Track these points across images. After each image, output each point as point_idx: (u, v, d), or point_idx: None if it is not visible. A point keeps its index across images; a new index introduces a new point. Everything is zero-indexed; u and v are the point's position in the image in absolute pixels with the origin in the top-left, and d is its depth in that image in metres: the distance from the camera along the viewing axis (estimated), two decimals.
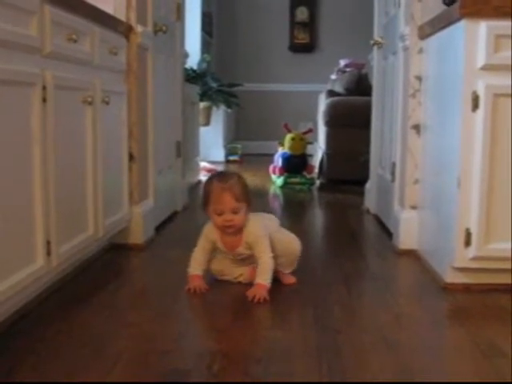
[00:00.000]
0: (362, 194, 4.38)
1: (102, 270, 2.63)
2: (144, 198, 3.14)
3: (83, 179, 2.41)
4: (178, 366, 1.68)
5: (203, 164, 5.86)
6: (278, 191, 5.17)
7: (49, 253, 2.05)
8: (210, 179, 2.38)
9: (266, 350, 1.81)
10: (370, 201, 4.12)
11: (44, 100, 2.00)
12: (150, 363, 1.71)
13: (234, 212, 2.27)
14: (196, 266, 2.38)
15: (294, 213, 4.48)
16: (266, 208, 4.43)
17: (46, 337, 1.87)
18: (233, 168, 6.81)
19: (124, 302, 2.25)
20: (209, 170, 5.89)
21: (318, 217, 4.48)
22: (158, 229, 3.36)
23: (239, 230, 2.33)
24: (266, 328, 1.97)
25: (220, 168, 6.43)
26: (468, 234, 2.31)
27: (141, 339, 1.90)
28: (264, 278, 2.27)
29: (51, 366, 1.67)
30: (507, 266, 2.34)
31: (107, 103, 2.58)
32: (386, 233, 3.40)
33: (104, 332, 1.93)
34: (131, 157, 2.97)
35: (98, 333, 1.93)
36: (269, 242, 2.34)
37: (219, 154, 7.36)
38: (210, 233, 2.38)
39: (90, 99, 2.37)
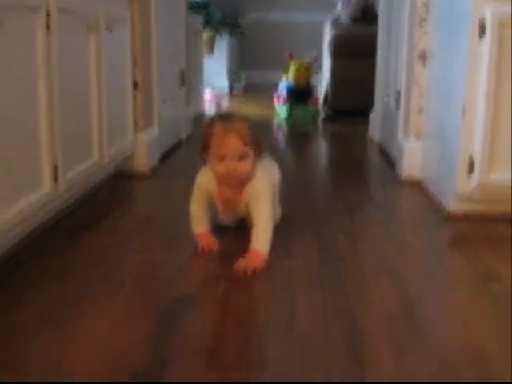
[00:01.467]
0: (366, 124, 4.37)
1: (107, 198, 2.66)
2: (148, 126, 3.14)
3: (88, 107, 2.41)
4: (182, 291, 1.72)
5: (207, 93, 5.82)
6: (282, 122, 5.15)
7: (55, 178, 2.06)
8: (211, 120, 2.02)
9: (270, 276, 1.85)
10: (375, 130, 4.12)
11: (48, 27, 1.99)
12: (155, 288, 1.75)
13: (240, 158, 1.91)
14: (197, 223, 2.07)
15: (297, 143, 4.48)
16: (269, 138, 4.44)
17: (52, 263, 1.90)
18: (237, 99, 6.78)
19: (130, 228, 2.28)
20: (213, 100, 5.87)
21: (321, 147, 4.48)
22: (163, 158, 3.37)
23: (242, 183, 1.99)
24: (269, 256, 2.00)
25: (224, 98, 6.40)
26: (471, 162, 2.32)
27: (146, 265, 1.93)
28: (260, 242, 1.90)
29: (59, 291, 1.70)
30: (508, 194, 2.36)
31: (111, 30, 2.56)
32: (390, 162, 3.41)
33: (109, 258, 1.97)
34: (135, 84, 2.96)
35: (104, 259, 1.96)
36: (271, 204, 1.99)
37: (223, 84, 7.30)
38: (205, 182, 2.03)
39: (93, 26, 2.35)
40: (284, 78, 5.57)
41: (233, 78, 7.55)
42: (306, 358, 1.38)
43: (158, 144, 3.25)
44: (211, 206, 2.09)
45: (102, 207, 2.51)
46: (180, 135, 3.94)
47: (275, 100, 5.61)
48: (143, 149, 3.00)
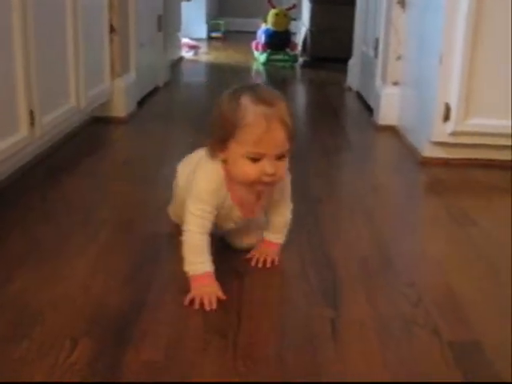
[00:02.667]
0: (345, 71, 4.35)
1: (85, 142, 2.65)
2: (126, 71, 3.11)
3: (64, 50, 2.38)
4: (161, 230, 1.74)
5: (185, 40, 5.76)
6: (261, 68, 5.13)
7: (32, 123, 2.05)
8: (234, 96, 1.35)
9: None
10: (353, 78, 4.12)
11: None
12: (135, 227, 1.77)
13: (279, 157, 1.34)
14: (198, 255, 1.39)
15: (275, 89, 4.46)
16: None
17: (32, 205, 1.90)
18: (216, 45, 6.71)
19: (108, 171, 2.29)
20: (191, 47, 5.80)
21: (300, 94, 4.48)
22: (140, 103, 3.35)
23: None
24: None
25: (202, 45, 6.33)
26: (447, 109, 2.34)
27: (125, 206, 1.95)
28: (280, 237, 1.59)
29: (39, 234, 1.71)
30: (484, 141, 2.39)
31: None
32: (368, 109, 3.43)
33: (89, 200, 1.98)
34: (112, 29, 2.92)
35: (83, 201, 1.97)
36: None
37: (201, 31, 7.21)
38: (215, 188, 1.40)
39: None
40: (263, 26, 5.53)
41: (211, 24, 7.46)
42: (284, 299, 1.42)
43: (135, 89, 3.23)
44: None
45: (80, 151, 2.50)
46: (157, 81, 3.91)
47: (253, 47, 5.57)
48: (120, 94, 2.99)
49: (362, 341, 1.23)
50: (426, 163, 2.46)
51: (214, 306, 1.33)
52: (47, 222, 1.79)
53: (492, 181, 2.30)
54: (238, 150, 1.32)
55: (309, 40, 5.40)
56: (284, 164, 1.36)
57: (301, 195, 2.06)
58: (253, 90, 1.36)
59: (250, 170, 1.33)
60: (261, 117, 1.28)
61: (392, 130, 2.97)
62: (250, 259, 1.56)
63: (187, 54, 5.65)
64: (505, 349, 1.22)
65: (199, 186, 1.41)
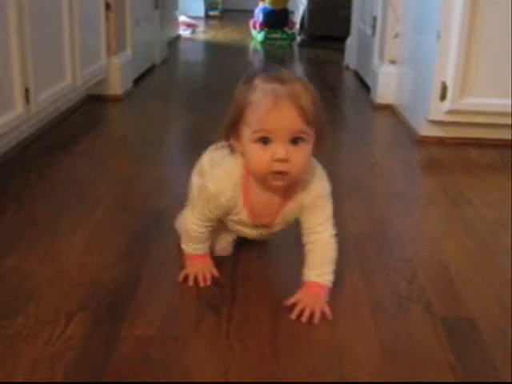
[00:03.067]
0: (342, 50, 4.34)
1: (81, 120, 2.64)
2: (122, 49, 3.10)
3: (59, 28, 2.36)
4: (157, 207, 1.74)
5: (182, 18, 5.73)
6: (259, 46, 5.11)
7: (27, 100, 2.05)
8: (250, 77, 1.20)
9: None
10: (351, 57, 4.10)
11: None
12: (131, 204, 1.77)
13: (295, 141, 1.15)
14: (196, 242, 1.35)
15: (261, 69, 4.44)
16: (246, 63, 4.41)
17: (29, 183, 1.90)
18: (213, 24, 6.68)
19: (104, 149, 2.29)
20: (188, 25, 5.78)
21: (297, 72, 4.45)
22: (137, 81, 3.34)
23: (290, 186, 1.24)
24: None
25: (200, 23, 6.29)
26: (444, 88, 2.33)
27: (121, 183, 1.94)
28: (325, 273, 1.28)
29: (35, 210, 1.71)
30: (480, 120, 2.39)
31: None
32: (365, 88, 3.42)
33: (85, 177, 1.98)
34: (108, 6, 2.91)
35: (80, 178, 1.97)
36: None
37: (199, 9, 7.18)
38: (229, 188, 1.25)
39: None
40: (260, 4, 5.51)
41: (209, 3, 7.41)
42: (278, 276, 1.42)
43: (131, 67, 3.22)
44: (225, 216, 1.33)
45: (76, 129, 2.50)
46: (154, 59, 3.90)
47: (251, 25, 5.55)
48: (116, 72, 2.98)
49: (357, 317, 1.24)
50: (423, 142, 2.46)
51: (209, 282, 1.32)
52: (44, 198, 1.79)
53: (487, 160, 2.30)
54: (247, 133, 1.17)
55: (307, 18, 5.38)
56: (302, 151, 1.16)
57: None
58: (269, 71, 1.21)
59: (260, 156, 1.15)
60: (268, 93, 1.14)
61: (389, 109, 2.96)
62: (290, 310, 1.23)
63: (184, 32, 5.63)
64: (497, 325, 1.23)
65: (209, 186, 1.26)
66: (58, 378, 1.02)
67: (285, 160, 1.14)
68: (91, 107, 2.84)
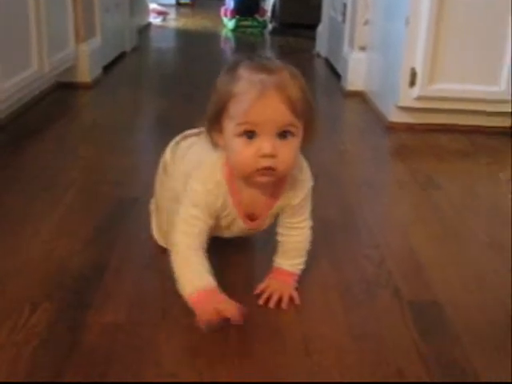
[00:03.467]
0: (313, 38, 4.34)
1: (50, 107, 2.61)
2: (91, 36, 3.07)
3: (25, 14, 2.32)
4: (126, 195, 1.72)
5: (153, 6, 5.68)
6: (230, 34, 5.09)
7: None
8: (233, 66, 1.10)
9: None
10: (322, 44, 4.10)
11: None
12: (99, 191, 1.76)
13: (282, 135, 1.06)
14: (195, 271, 1.13)
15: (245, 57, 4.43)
16: (216, 51, 4.39)
17: None
18: (185, 12, 6.63)
19: (74, 136, 2.27)
20: (159, 13, 5.73)
21: None
22: (106, 69, 3.31)
23: (280, 182, 1.18)
24: None
25: (171, 11, 6.25)
26: (413, 74, 2.34)
27: (91, 171, 1.93)
28: (298, 263, 1.28)
29: (4, 199, 1.69)
30: (448, 106, 2.41)
31: None
32: (336, 75, 3.42)
33: (55, 165, 1.95)
34: None
35: (49, 165, 1.95)
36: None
37: None
38: (214, 186, 1.16)
39: None
40: None
41: None
42: (247, 263, 1.42)
43: (100, 54, 3.19)
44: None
45: (45, 117, 2.47)
46: (124, 46, 3.86)
47: (222, 13, 5.52)
48: (85, 59, 2.94)
49: (325, 302, 1.24)
50: (393, 128, 2.47)
51: (241, 319, 1.09)
52: (12, 187, 1.77)
53: (456, 145, 2.32)
54: (230, 127, 1.07)
55: (278, 6, 5.37)
56: (290, 146, 1.07)
57: None
58: (254, 59, 1.10)
59: (244, 151, 1.06)
60: (254, 83, 1.04)
61: (360, 96, 2.97)
62: (258, 296, 1.24)
63: (155, 20, 5.59)
64: (463, 309, 1.24)
65: (193, 185, 1.16)
66: (22, 365, 1.01)
67: (272, 155, 1.05)
68: (60, 95, 2.81)
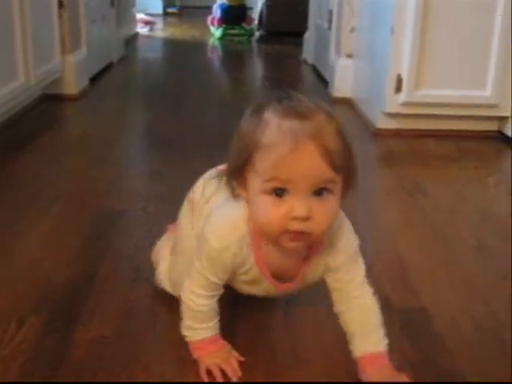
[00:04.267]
0: (300, 45, 4.36)
1: (36, 120, 2.60)
2: (77, 47, 3.06)
3: (10, 27, 2.32)
4: (114, 206, 1.72)
5: (140, 16, 5.69)
6: (217, 43, 5.10)
7: None
8: (259, 108, 0.93)
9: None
10: (308, 51, 4.11)
11: None
12: (87, 203, 1.75)
13: (318, 193, 0.89)
14: (201, 323, 1.06)
15: (232, 64, 4.45)
16: (204, 60, 4.39)
17: None
18: (172, 21, 6.64)
19: (61, 148, 2.26)
20: (146, 22, 5.74)
21: (256, 68, 4.46)
22: (93, 80, 3.31)
23: (315, 245, 1.00)
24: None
25: (158, 21, 6.25)
26: (399, 80, 2.35)
27: (78, 182, 1.92)
28: (381, 339, 1.04)
29: None
30: (436, 111, 2.42)
31: None
32: (323, 82, 3.43)
33: (41, 176, 1.95)
34: (61, 4, 2.87)
35: (36, 177, 1.94)
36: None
37: (157, 6, 7.13)
38: (233, 242, 0.98)
39: None
40: (218, 0, 5.50)
41: (167, 0, 7.37)
42: None
43: (87, 66, 3.18)
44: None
45: (31, 129, 2.46)
46: (111, 57, 3.86)
47: (209, 22, 5.53)
48: (72, 71, 2.94)
49: (312, 309, 1.24)
50: (380, 134, 2.47)
51: (240, 373, 1.04)
52: None
53: (443, 151, 2.33)
54: (256, 182, 0.90)
55: (265, 14, 5.39)
56: (328, 205, 0.89)
57: None
58: (284, 99, 0.92)
59: (272, 211, 0.89)
60: (285, 132, 0.86)
61: (347, 102, 2.98)
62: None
63: (142, 29, 5.59)
64: (451, 314, 1.24)
65: (207, 238, 0.99)
66: (11, 380, 1.00)
67: (306, 218, 0.88)
68: (47, 107, 2.80)
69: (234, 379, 1.02)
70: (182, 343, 1.09)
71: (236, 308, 1.21)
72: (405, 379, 1.00)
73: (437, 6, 2.29)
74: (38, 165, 2.06)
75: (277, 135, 0.87)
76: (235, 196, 0.98)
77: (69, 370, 1.03)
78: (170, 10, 7.25)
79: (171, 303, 1.22)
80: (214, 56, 4.72)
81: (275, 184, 0.87)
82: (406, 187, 1.95)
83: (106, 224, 1.62)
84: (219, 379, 1.02)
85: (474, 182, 2.03)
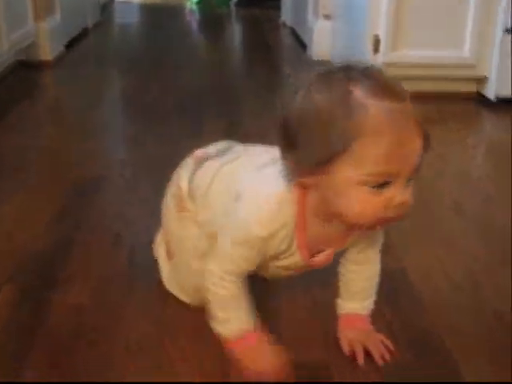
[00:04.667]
0: (279, 8, 4.30)
1: (11, 88, 2.56)
2: (50, 12, 3.00)
3: None
4: (91, 174, 1.70)
5: None
6: (195, 7, 5.03)
7: None
8: (333, 83, 0.82)
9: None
10: (287, 14, 4.07)
11: None
12: (62, 174, 1.73)
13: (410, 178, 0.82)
14: (233, 311, 0.96)
15: (210, 29, 4.40)
16: (182, 24, 4.34)
17: None
18: None
19: (35, 117, 2.22)
20: None
21: (234, 32, 4.41)
22: (69, 47, 3.25)
23: None
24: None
25: None
26: (377, 41, 2.33)
27: (55, 151, 1.90)
28: (370, 302, 1.06)
29: None
30: (415, 72, 2.40)
31: None
32: (302, 45, 3.40)
33: (15, 146, 1.92)
34: None
35: (10, 147, 1.91)
36: None
37: None
38: (273, 225, 0.89)
39: None
40: None
41: None
42: None
43: (61, 32, 3.13)
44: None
45: (5, 96, 2.42)
46: (86, 23, 3.79)
47: None
48: (45, 36, 2.88)
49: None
50: None
51: (294, 378, 0.94)
52: None
53: (423, 112, 2.31)
54: (349, 173, 0.79)
55: None
56: (411, 189, 0.84)
57: (230, 134, 2.05)
58: (359, 71, 0.82)
59: (370, 200, 0.81)
60: (392, 119, 0.78)
61: (326, 64, 2.95)
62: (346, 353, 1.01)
63: None
64: (429, 276, 1.25)
65: (248, 225, 0.89)
66: None
67: (403, 203, 0.82)
68: (21, 74, 2.75)
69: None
70: (161, 306, 1.09)
71: None
72: (382, 338, 1.03)
73: None
74: (11, 135, 2.03)
75: (383, 122, 0.77)
76: (288, 178, 0.87)
77: (46, 337, 1.03)
78: None
79: (149, 267, 1.22)
80: (192, 20, 4.66)
81: (383, 178, 0.79)
82: None
83: (84, 192, 1.60)
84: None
85: (454, 144, 2.03)
